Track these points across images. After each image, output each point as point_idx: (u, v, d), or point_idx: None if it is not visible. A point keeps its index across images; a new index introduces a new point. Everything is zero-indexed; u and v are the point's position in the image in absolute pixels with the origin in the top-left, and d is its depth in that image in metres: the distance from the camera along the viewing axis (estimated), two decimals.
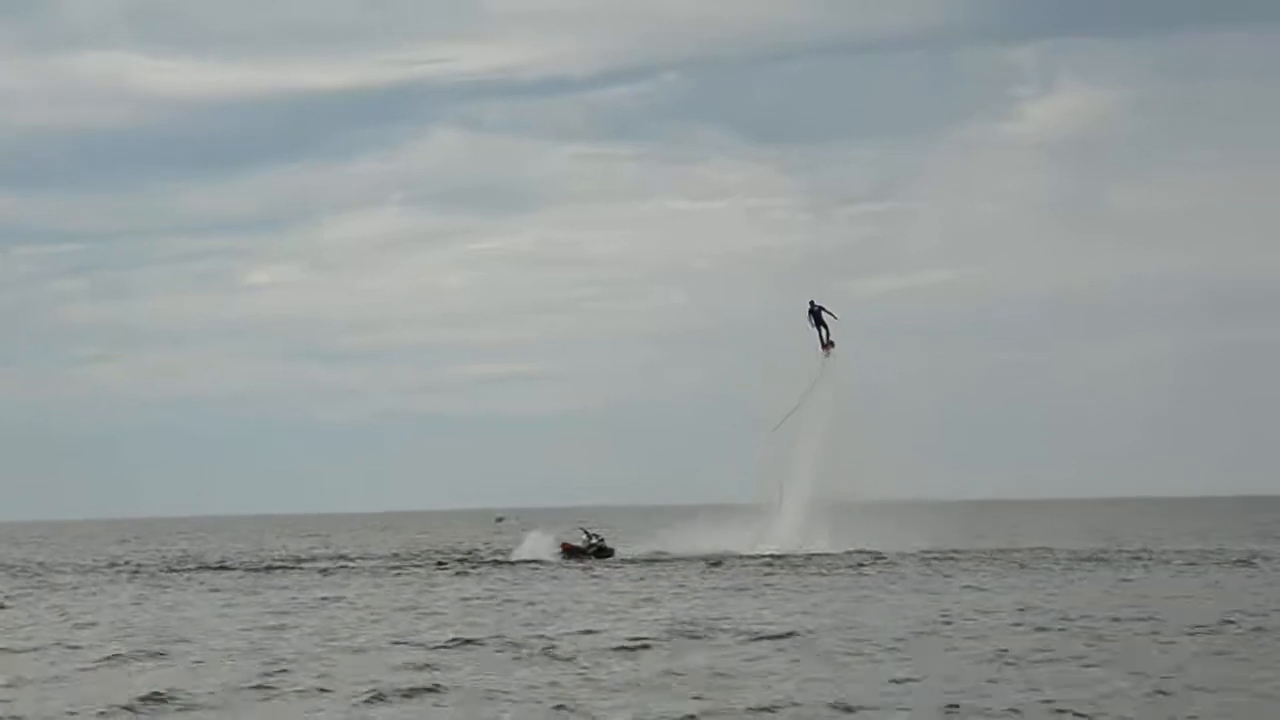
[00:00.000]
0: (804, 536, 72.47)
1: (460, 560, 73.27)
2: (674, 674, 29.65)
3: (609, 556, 69.93)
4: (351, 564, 73.81)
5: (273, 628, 39.77)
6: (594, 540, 71.77)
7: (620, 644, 33.93)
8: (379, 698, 27.01)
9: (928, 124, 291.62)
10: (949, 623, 38.13)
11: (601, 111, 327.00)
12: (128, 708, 26.17)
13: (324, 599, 50.57)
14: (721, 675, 29.30)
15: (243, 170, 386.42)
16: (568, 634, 36.38)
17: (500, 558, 73.31)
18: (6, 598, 52.31)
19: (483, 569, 65.91)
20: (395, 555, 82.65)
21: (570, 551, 70.86)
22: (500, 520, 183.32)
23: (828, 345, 77.66)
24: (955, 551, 70.83)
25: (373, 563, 74.08)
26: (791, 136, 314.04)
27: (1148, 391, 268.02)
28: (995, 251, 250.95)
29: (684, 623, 38.39)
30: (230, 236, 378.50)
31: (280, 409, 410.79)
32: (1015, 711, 24.96)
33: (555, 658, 32.20)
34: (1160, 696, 26.02)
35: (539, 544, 72.97)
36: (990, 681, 28.08)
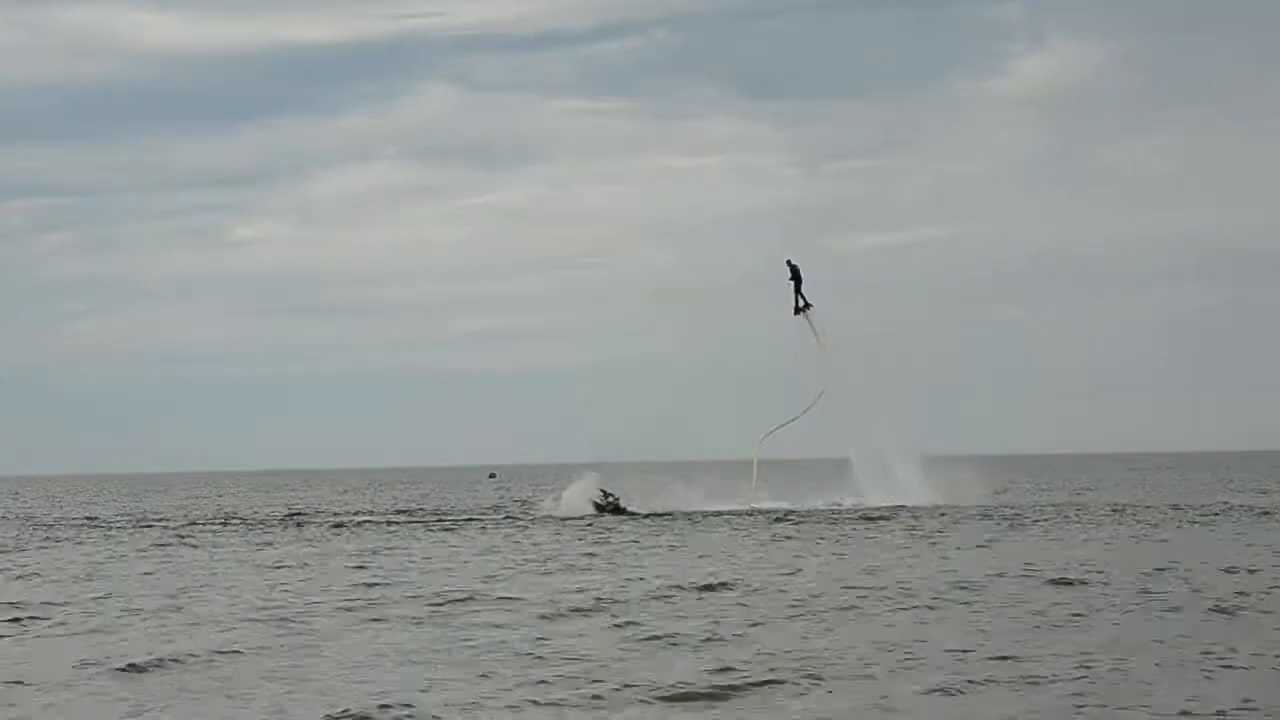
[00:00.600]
0: (916, 489, 73.61)
1: (508, 517, 74.13)
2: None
3: (622, 514, 71.63)
4: (415, 519, 73.55)
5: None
6: (610, 499, 73.62)
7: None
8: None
9: (918, 80, 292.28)
10: None
11: (594, 67, 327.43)
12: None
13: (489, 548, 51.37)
14: None
15: (233, 124, 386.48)
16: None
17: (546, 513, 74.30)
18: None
19: (552, 523, 66.99)
20: (458, 511, 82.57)
21: (599, 508, 72.93)
22: (493, 477, 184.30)
23: (804, 308, 77.87)
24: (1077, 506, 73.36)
25: (451, 517, 74.10)
26: (783, 92, 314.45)
27: (1134, 349, 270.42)
28: (984, 208, 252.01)
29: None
30: (219, 191, 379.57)
31: (268, 364, 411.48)
32: None
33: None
34: None
35: (576, 499, 74.34)
36: None
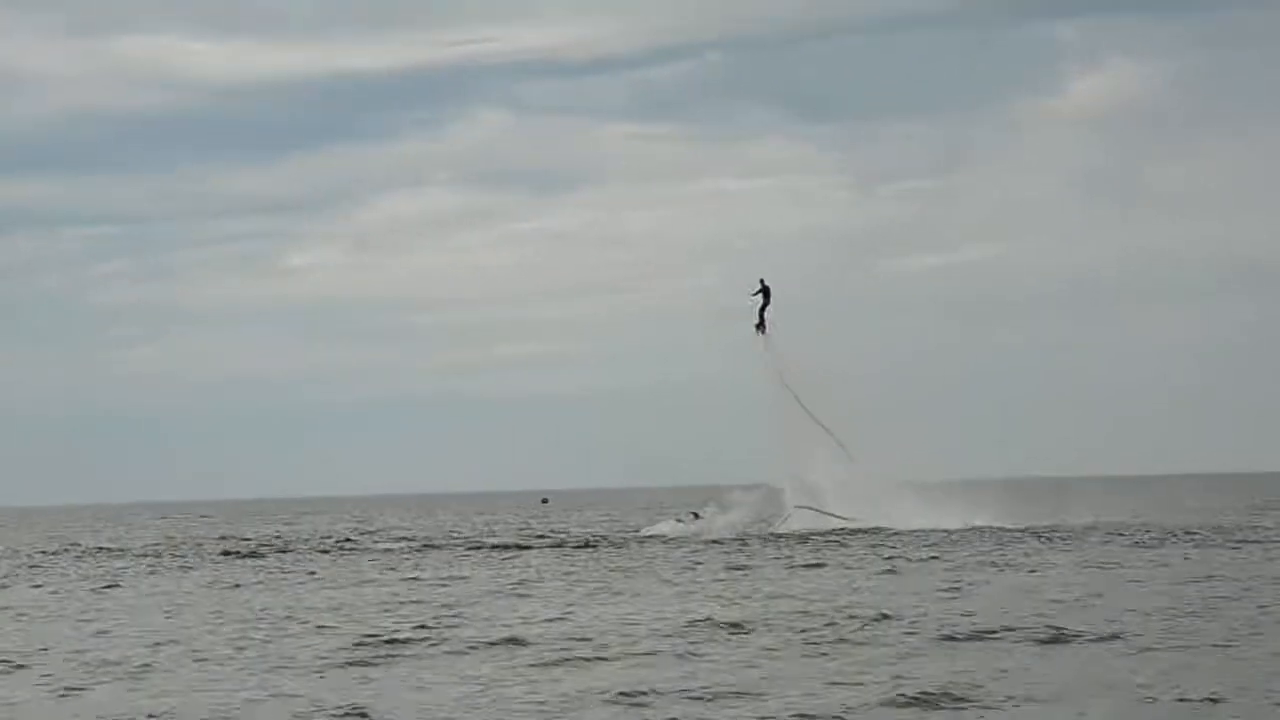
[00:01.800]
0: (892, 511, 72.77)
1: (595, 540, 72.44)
2: None
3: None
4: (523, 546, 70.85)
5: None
6: (698, 517, 73.68)
7: None
8: None
9: (971, 101, 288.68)
10: None
11: (646, 90, 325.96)
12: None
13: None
14: None
15: (286, 152, 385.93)
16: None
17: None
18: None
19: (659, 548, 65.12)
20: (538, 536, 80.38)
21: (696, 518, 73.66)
22: (545, 502, 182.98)
23: (762, 325, 77.90)
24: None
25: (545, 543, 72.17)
26: (836, 114, 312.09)
27: (1192, 367, 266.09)
28: (1037, 227, 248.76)
29: None
30: (272, 218, 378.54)
31: (321, 390, 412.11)
32: None
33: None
34: None
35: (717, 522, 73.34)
36: None
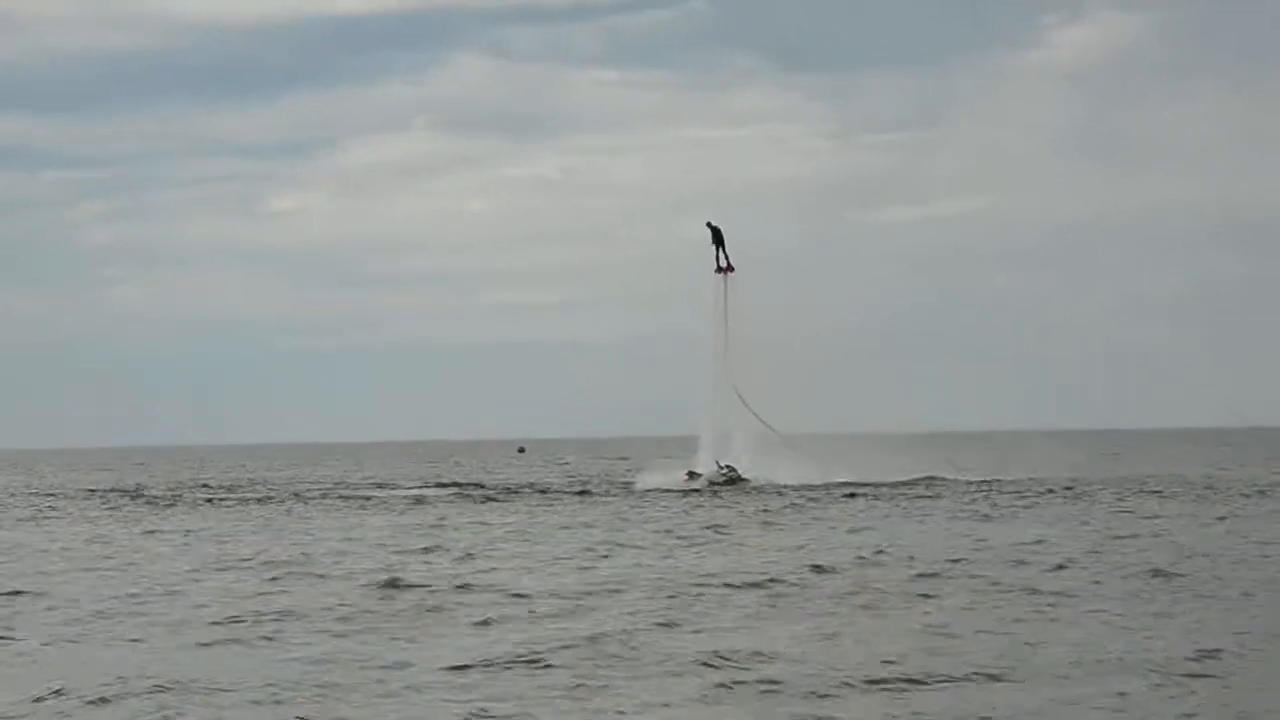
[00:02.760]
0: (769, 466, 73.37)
1: (586, 490, 73.06)
2: None
3: (741, 483, 71.79)
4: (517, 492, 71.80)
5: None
6: (724, 470, 73.49)
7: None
8: None
9: (956, 52, 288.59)
10: None
11: (628, 38, 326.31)
12: None
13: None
14: None
15: (268, 95, 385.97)
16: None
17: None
18: None
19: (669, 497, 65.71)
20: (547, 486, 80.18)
21: (695, 478, 73.13)
22: (521, 451, 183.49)
23: (727, 269, 77.93)
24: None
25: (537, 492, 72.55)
26: (819, 64, 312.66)
27: (1168, 322, 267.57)
28: (1019, 180, 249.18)
29: None
30: (254, 161, 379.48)
31: (301, 335, 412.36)
32: None
33: None
34: None
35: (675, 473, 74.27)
36: None
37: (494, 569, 35.37)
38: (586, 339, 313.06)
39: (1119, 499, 60.29)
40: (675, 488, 71.61)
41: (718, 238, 78.17)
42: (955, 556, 36.36)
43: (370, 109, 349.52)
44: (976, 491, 65.37)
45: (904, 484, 70.54)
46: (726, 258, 78.17)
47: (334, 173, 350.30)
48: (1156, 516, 50.15)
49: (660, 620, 26.24)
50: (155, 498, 75.41)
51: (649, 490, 71.62)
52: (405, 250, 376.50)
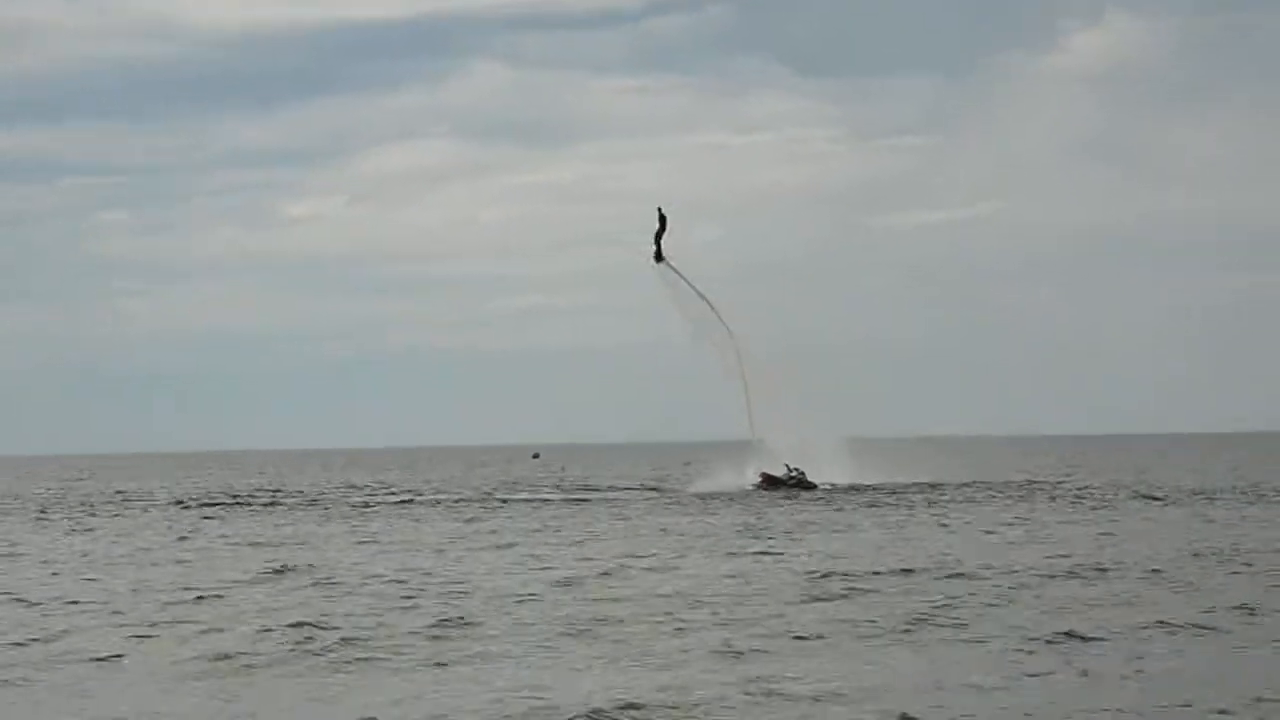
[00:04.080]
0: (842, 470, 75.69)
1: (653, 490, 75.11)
2: None
3: (810, 489, 73.13)
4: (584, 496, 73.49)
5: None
6: (794, 473, 74.74)
7: None
8: None
9: (972, 56, 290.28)
10: None
11: (645, 44, 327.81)
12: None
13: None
14: None
15: (285, 104, 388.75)
16: None
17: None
18: None
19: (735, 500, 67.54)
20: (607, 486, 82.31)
21: (771, 481, 74.21)
22: (536, 457, 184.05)
23: (661, 257, 78.52)
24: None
25: (615, 493, 74.69)
26: (836, 69, 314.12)
27: (1180, 331, 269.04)
28: (1036, 186, 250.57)
29: None
30: (271, 169, 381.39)
31: (316, 342, 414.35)
32: None
33: None
34: None
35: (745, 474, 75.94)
36: None
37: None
38: (602, 345, 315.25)
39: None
40: (728, 490, 73.09)
41: (663, 226, 78.34)
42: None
43: (387, 117, 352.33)
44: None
45: (1003, 484, 72.14)
46: (660, 244, 78.44)
47: (349, 181, 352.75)
48: None
49: None
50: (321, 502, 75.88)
51: (710, 494, 72.87)
52: (420, 257, 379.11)
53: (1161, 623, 26.25)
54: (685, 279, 78.91)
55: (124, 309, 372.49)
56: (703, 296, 78.92)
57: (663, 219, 78.42)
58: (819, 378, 79.84)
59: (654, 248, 78.55)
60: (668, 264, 78.74)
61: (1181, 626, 25.95)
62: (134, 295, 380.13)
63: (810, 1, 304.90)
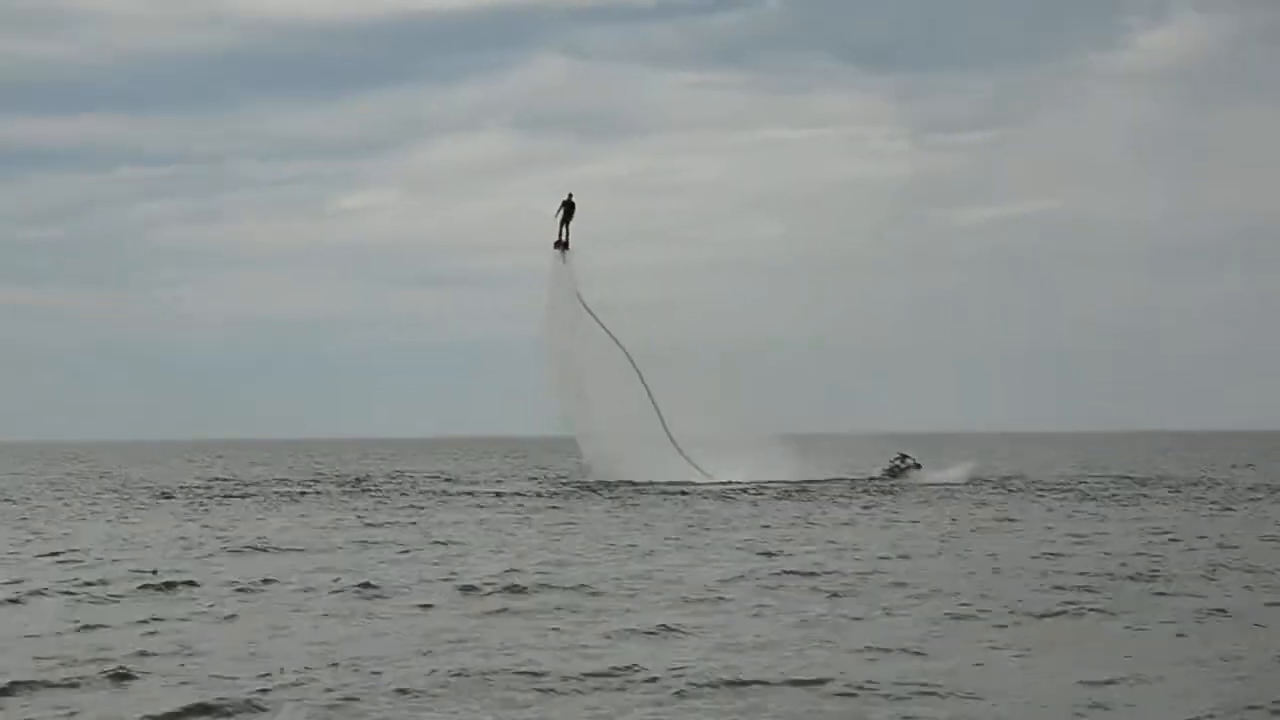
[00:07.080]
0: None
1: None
2: None
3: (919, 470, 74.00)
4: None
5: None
6: (908, 461, 74.97)
7: None
8: None
9: (1035, 53, 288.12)
10: None
11: (706, 38, 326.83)
12: None
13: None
14: None
15: (342, 94, 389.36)
16: None
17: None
18: None
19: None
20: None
21: (893, 472, 74.62)
22: None
23: (564, 244, 76.82)
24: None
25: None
26: (899, 65, 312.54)
27: (1248, 327, 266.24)
28: (1098, 182, 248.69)
29: None
30: (327, 160, 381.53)
31: (371, 334, 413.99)
32: None
33: None
34: None
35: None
36: None
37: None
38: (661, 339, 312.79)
39: None
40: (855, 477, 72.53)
41: (569, 213, 76.82)
42: None
43: (446, 108, 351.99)
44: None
45: (1116, 479, 70.67)
46: (567, 231, 76.79)
47: (407, 172, 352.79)
48: None
49: None
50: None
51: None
52: (477, 250, 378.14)
53: None
54: (570, 271, 77.53)
55: (174, 297, 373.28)
56: (594, 315, 77.86)
57: (569, 205, 77.06)
58: (840, 374, 78.72)
59: (560, 238, 77.06)
60: (566, 253, 77.22)
61: None
62: (184, 284, 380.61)
63: None
